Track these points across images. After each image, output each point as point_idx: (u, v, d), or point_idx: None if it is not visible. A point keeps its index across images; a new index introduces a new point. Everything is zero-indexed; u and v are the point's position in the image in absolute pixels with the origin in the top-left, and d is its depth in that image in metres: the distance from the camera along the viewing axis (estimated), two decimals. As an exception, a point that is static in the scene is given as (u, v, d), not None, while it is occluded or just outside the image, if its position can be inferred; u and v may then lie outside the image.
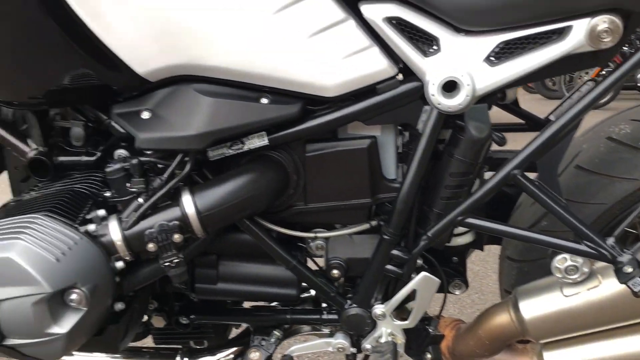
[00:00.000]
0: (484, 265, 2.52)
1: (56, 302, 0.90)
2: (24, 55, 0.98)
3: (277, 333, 1.19)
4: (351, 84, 0.98)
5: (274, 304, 1.27)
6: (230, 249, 1.15)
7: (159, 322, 1.25)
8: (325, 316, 1.16)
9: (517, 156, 0.98)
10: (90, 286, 0.93)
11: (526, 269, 1.16)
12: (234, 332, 1.36)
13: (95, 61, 0.96)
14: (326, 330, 1.21)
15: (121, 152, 1.06)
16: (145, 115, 0.99)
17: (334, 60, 0.95)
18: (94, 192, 1.05)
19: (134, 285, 1.05)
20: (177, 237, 0.98)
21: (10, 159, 1.17)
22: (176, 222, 0.99)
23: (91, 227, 0.97)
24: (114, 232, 0.98)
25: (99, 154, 1.08)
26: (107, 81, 0.98)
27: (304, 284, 1.15)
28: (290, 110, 0.99)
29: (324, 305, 1.19)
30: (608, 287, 1.00)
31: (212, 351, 1.26)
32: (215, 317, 1.23)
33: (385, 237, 1.05)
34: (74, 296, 0.91)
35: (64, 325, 0.91)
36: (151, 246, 0.98)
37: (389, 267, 1.07)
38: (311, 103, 1.01)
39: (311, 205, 1.09)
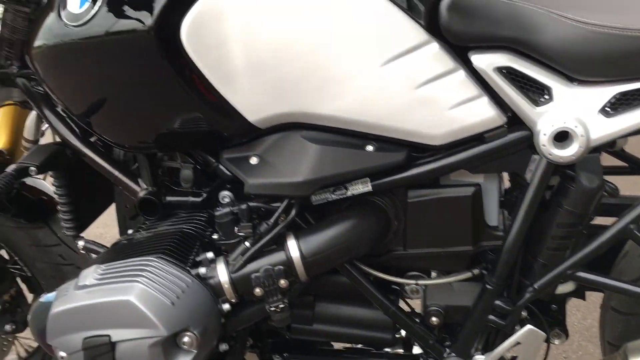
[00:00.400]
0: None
1: (169, 345, 0.93)
2: (140, 102, 1.02)
3: (370, 378, 1.19)
4: (459, 133, 0.97)
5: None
6: (327, 290, 1.16)
7: (252, 358, 1.27)
8: (421, 363, 1.14)
9: (634, 209, 0.95)
10: (200, 329, 0.95)
11: (634, 323, 1.12)
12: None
13: (210, 110, 0.99)
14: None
15: (226, 194, 1.09)
16: (254, 160, 1.02)
17: (443, 109, 0.95)
18: (200, 232, 1.08)
19: (237, 326, 1.07)
20: (283, 282, 1.00)
21: (120, 196, 1.22)
22: (281, 267, 1.00)
23: (202, 270, 1.00)
24: (222, 274, 1.01)
25: (205, 195, 1.11)
26: (219, 128, 1.01)
27: (401, 329, 1.14)
28: (396, 158, 1.00)
29: (418, 350, 1.18)
30: None
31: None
32: (309, 357, 1.24)
33: (488, 286, 1.03)
34: (186, 339, 0.94)
35: (176, 366, 0.94)
36: (258, 291, 1.00)
37: (491, 317, 1.05)
38: (415, 150, 1.01)
39: (410, 250, 1.09)
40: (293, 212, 1.01)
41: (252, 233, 1.01)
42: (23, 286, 1.53)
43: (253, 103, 0.98)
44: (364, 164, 0.99)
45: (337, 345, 1.29)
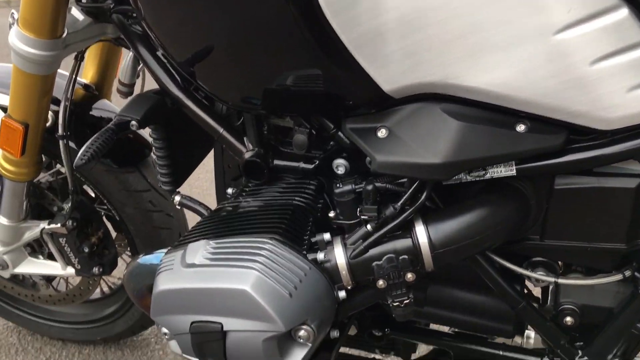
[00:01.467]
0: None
1: (285, 339, 0.84)
2: (256, 54, 0.88)
3: (484, 368, 1.09)
4: (637, 118, 0.80)
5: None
6: (443, 273, 1.04)
7: (350, 329, 1.19)
8: (546, 362, 1.03)
9: None
10: (318, 322, 0.86)
11: None
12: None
13: (339, 74, 0.85)
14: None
15: (341, 163, 0.97)
16: (382, 133, 0.88)
17: (623, 89, 0.78)
18: (313, 206, 0.97)
19: (350, 311, 0.98)
20: (410, 276, 0.89)
21: (220, 154, 1.11)
22: (406, 257, 0.89)
23: (320, 255, 0.90)
24: (340, 259, 0.90)
25: (317, 162, 0.99)
26: (346, 95, 0.87)
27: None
28: (552, 142, 0.84)
29: (537, 342, 1.07)
30: None
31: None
32: (414, 336, 1.15)
33: (641, 292, 0.90)
34: (302, 332, 0.85)
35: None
36: (381, 283, 0.89)
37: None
38: (574, 132, 0.85)
39: (548, 241, 0.95)
40: (424, 196, 0.88)
41: (376, 216, 0.89)
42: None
43: (390, 70, 0.82)
44: (514, 147, 0.84)
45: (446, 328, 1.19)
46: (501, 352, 1.06)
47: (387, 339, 1.16)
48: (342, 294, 0.91)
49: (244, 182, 1.06)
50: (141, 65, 1.22)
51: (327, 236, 0.92)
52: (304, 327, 0.84)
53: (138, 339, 1.68)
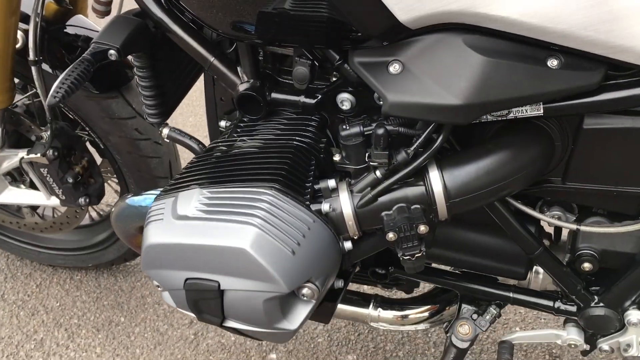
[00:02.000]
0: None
1: (287, 298, 0.78)
2: None
3: (493, 310, 1.04)
4: None
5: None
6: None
7: (351, 266, 1.13)
8: (560, 306, 0.99)
9: None
10: (322, 278, 0.79)
11: None
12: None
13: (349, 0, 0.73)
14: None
15: (345, 97, 0.87)
16: (395, 68, 0.77)
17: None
18: (315, 147, 0.88)
19: (354, 260, 0.91)
20: (423, 228, 0.81)
21: (210, 85, 1.00)
22: (418, 207, 0.82)
23: (325, 206, 0.82)
24: (346, 208, 0.82)
25: (320, 96, 0.89)
26: (355, 24, 0.75)
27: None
28: (588, 80, 0.74)
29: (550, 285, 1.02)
30: None
31: (403, 305, 1.15)
32: (419, 276, 1.09)
33: (668, 241, 0.84)
34: (306, 291, 0.78)
35: (294, 321, 0.80)
36: (391, 236, 0.82)
37: (662, 273, 0.87)
38: (611, 68, 0.75)
39: (570, 184, 0.88)
40: (439, 140, 0.79)
41: (386, 162, 0.80)
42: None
43: (409, -3, 0.71)
44: (545, 86, 0.74)
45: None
46: (511, 295, 1.02)
47: (390, 277, 1.11)
48: (347, 244, 0.85)
49: (239, 117, 0.96)
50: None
51: (331, 183, 0.84)
52: (308, 284, 0.78)
53: (131, 264, 1.63)
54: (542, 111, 0.78)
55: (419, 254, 0.83)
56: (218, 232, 0.75)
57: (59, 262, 1.61)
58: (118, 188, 1.45)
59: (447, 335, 1.09)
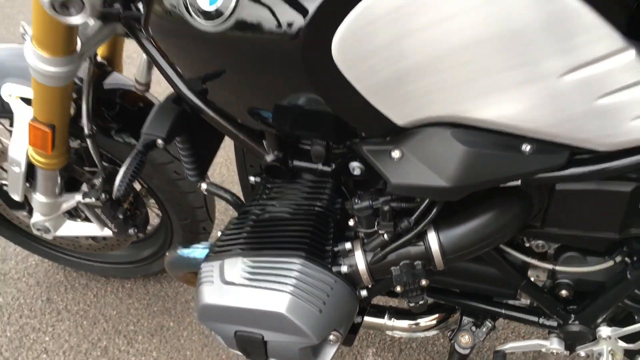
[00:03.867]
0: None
1: (318, 344, 0.98)
2: (270, 95, 0.92)
3: (489, 323, 1.24)
4: (632, 143, 0.86)
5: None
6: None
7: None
8: (543, 322, 1.18)
9: None
10: (344, 325, 0.99)
11: None
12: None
13: (353, 113, 0.89)
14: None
15: (356, 165, 1.04)
16: (396, 154, 0.94)
17: (625, 119, 0.83)
18: (332, 210, 1.06)
19: (369, 300, 1.11)
20: (424, 282, 1.00)
21: (240, 153, 1.18)
22: (420, 263, 1.00)
23: (343, 268, 1.00)
24: (360, 264, 1.01)
25: (335, 165, 1.06)
26: (360, 128, 0.92)
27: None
28: (556, 162, 0.90)
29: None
30: None
31: (414, 315, 1.35)
32: (427, 294, 1.29)
33: (629, 277, 1.01)
34: (332, 337, 0.98)
35: (323, 358, 1.01)
36: (399, 289, 1.01)
37: (627, 301, 1.05)
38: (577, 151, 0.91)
39: (548, 229, 1.05)
40: (434, 211, 0.97)
41: (392, 230, 0.98)
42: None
43: (404, 109, 0.87)
44: (520, 168, 0.90)
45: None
46: (503, 311, 1.21)
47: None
48: (363, 292, 1.04)
49: (267, 178, 1.14)
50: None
51: (348, 245, 1.02)
52: (334, 332, 0.98)
53: (173, 271, 1.85)
54: (519, 183, 0.95)
55: (422, 301, 1.02)
56: (260, 298, 0.95)
57: (111, 273, 1.83)
58: (159, 211, 1.63)
59: (451, 342, 1.29)
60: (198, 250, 1.17)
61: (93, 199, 1.42)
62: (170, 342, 1.68)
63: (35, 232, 1.53)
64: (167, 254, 1.24)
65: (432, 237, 0.99)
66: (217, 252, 1.05)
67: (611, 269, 1.07)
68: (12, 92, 1.26)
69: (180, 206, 1.50)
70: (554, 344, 1.18)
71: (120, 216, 1.47)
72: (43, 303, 1.78)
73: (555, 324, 1.17)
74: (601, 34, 0.77)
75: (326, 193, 1.08)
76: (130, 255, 1.78)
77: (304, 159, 1.09)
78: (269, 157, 1.07)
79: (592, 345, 1.16)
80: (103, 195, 1.42)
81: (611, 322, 1.13)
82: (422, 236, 1.00)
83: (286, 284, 0.95)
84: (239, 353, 1.05)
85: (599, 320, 1.12)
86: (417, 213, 0.97)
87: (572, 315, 1.13)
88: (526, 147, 0.90)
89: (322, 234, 1.03)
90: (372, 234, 1.02)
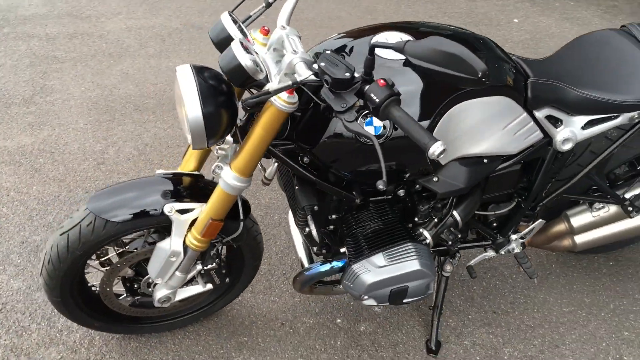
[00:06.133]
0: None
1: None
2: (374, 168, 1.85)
3: (458, 255, 2.34)
4: (524, 145, 2.02)
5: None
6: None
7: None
8: (483, 242, 2.33)
9: None
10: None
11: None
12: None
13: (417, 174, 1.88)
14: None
15: (401, 192, 2.02)
16: (436, 179, 1.94)
17: (519, 137, 1.97)
18: (399, 217, 2.02)
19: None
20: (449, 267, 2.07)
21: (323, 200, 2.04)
22: (452, 228, 2.03)
23: (425, 242, 1.98)
24: (428, 237, 2.01)
25: (394, 193, 2.01)
26: (431, 171, 1.91)
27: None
28: (496, 164, 2.02)
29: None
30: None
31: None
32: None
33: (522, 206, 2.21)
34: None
35: (430, 288, 1.98)
36: (450, 243, 2.03)
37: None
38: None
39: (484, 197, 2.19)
40: (455, 201, 2.01)
41: (440, 217, 2.00)
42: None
43: (445, 154, 1.88)
44: (486, 171, 2.00)
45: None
46: (466, 245, 2.32)
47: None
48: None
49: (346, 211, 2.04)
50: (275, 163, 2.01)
51: (420, 230, 2.00)
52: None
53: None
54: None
55: (458, 242, 2.06)
56: (404, 266, 1.87)
57: (178, 325, 2.43)
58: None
59: (439, 272, 2.36)
60: (318, 266, 2.02)
61: (214, 264, 2.09)
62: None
63: (156, 304, 2.11)
64: (296, 278, 2.04)
65: (456, 213, 2.03)
66: (355, 257, 1.93)
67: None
68: (172, 208, 1.88)
69: (251, 251, 2.23)
70: (490, 252, 2.34)
71: (224, 271, 2.16)
72: (136, 365, 2.30)
73: (490, 242, 2.32)
74: (518, 110, 1.90)
75: (392, 211, 2.03)
76: (200, 303, 2.42)
77: (377, 195, 2.02)
78: (358, 200, 1.98)
79: (508, 246, 2.34)
80: (218, 260, 2.10)
81: (515, 232, 2.32)
82: (451, 215, 2.03)
83: (412, 255, 1.89)
84: (382, 305, 1.94)
85: (510, 232, 2.30)
86: (448, 204, 2.01)
87: (497, 235, 2.30)
88: (485, 160, 1.99)
89: (404, 229, 1.98)
90: (428, 222, 2.02)
